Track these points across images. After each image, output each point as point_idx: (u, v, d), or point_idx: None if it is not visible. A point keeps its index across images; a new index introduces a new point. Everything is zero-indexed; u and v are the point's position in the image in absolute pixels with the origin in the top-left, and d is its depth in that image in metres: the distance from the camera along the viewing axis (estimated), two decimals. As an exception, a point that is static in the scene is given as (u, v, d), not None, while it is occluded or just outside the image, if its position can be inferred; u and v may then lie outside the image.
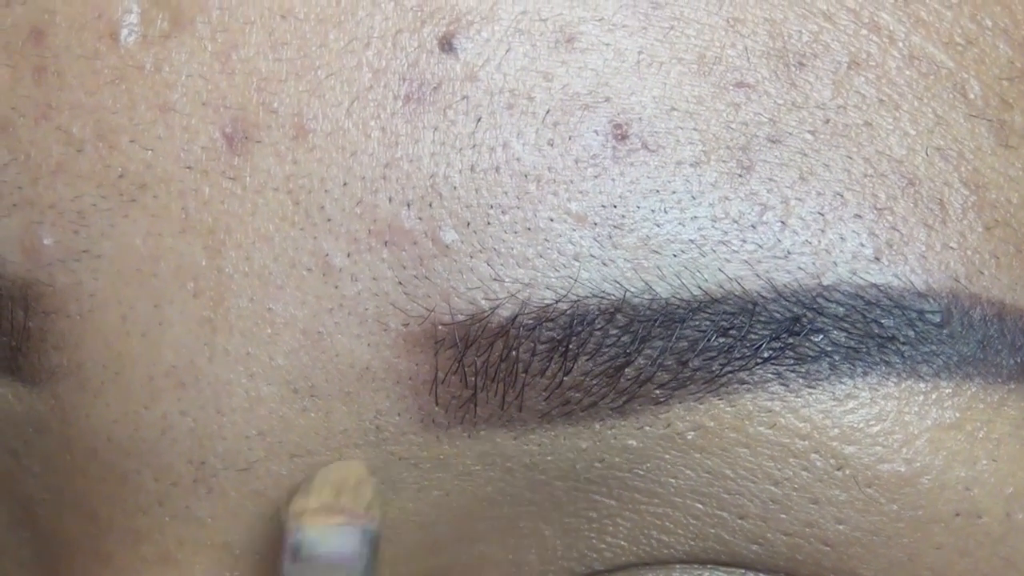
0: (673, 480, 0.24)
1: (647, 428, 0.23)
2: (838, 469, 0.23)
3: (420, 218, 0.23)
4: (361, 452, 0.23)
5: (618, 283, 0.23)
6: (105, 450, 0.24)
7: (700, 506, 0.24)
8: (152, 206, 0.23)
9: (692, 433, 0.23)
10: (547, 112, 0.23)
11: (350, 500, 0.23)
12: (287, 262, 0.23)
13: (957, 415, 0.23)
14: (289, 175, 0.23)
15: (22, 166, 0.23)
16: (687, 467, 0.23)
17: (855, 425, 0.23)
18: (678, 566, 0.24)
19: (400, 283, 0.23)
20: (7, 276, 0.24)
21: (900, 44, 0.24)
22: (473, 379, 0.23)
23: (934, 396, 0.23)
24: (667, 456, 0.23)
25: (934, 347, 0.23)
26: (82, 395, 0.24)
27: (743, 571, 0.24)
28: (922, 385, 0.23)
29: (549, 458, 0.23)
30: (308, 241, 0.23)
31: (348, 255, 0.23)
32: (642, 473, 0.24)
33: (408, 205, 0.23)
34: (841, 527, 0.23)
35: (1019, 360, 0.24)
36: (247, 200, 0.23)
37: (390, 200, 0.23)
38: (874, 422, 0.23)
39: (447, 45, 0.23)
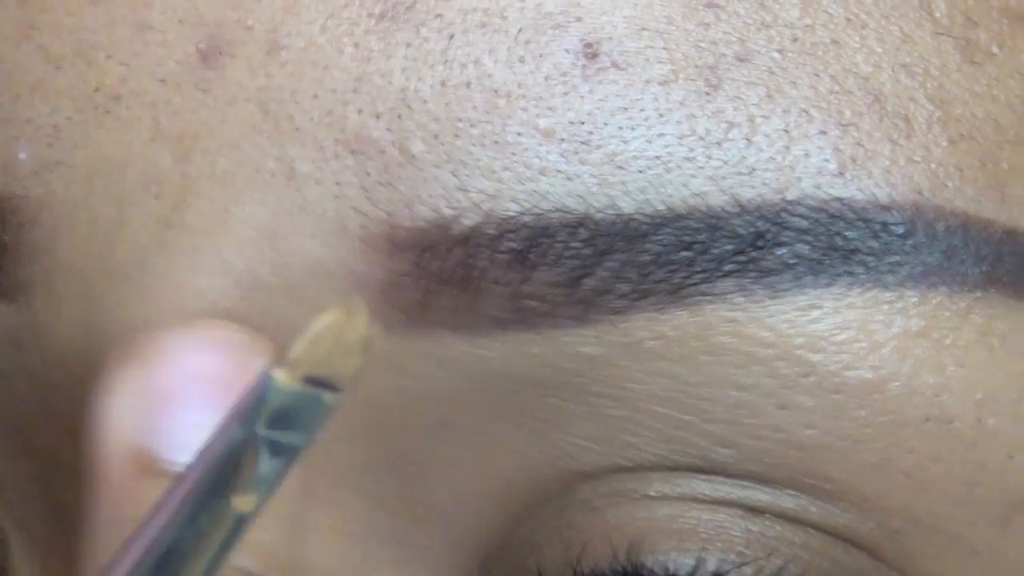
0: (634, 386, 0.24)
1: (605, 337, 0.24)
2: (804, 376, 0.24)
3: (389, 129, 0.23)
4: None
5: (582, 198, 0.23)
6: (72, 359, 0.24)
7: (663, 410, 0.24)
8: (125, 117, 0.24)
9: (652, 342, 0.24)
10: (519, 30, 0.23)
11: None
12: (252, 167, 0.23)
13: (923, 323, 0.24)
14: (260, 87, 0.23)
15: (4, 85, 0.24)
16: (647, 373, 0.24)
17: (820, 333, 0.24)
18: (657, 475, 0.25)
19: (363, 188, 0.23)
20: None
21: None
22: (426, 282, 0.23)
23: (899, 305, 0.24)
24: (626, 363, 0.24)
25: (898, 258, 0.24)
26: (50, 303, 0.24)
27: (722, 478, 0.25)
28: (887, 294, 0.24)
29: (499, 361, 0.24)
30: (275, 148, 0.23)
31: (313, 162, 0.23)
32: (601, 379, 0.24)
33: (377, 117, 0.23)
34: (810, 432, 0.24)
35: (984, 269, 0.24)
36: (217, 110, 0.24)
37: (359, 112, 0.23)
38: (838, 330, 0.24)
39: None
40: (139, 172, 0.24)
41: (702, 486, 0.25)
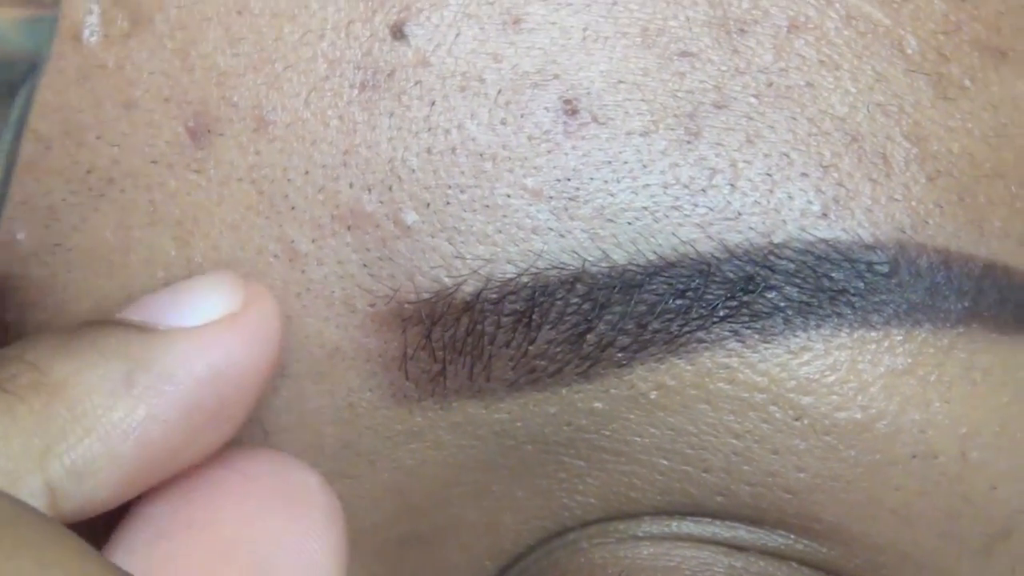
0: (638, 439, 0.24)
1: (612, 391, 0.24)
2: (796, 419, 0.24)
3: (381, 201, 0.23)
4: (335, 428, 0.24)
5: (576, 253, 0.23)
6: None
7: (665, 462, 0.24)
8: (120, 200, 0.24)
9: (655, 392, 0.24)
10: (499, 92, 0.24)
11: None
12: (254, 249, 0.24)
13: (909, 361, 0.24)
14: (252, 165, 0.24)
15: None
16: (651, 425, 0.24)
17: (811, 376, 0.24)
18: (647, 518, 0.25)
19: (365, 265, 0.24)
20: None
21: (837, 5, 0.24)
22: (441, 353, 0.24)
23: (886, 344, 0.24)
24: (632, 416, 0.24)
25: (883, 296, 0.24)
26: None
27: (710, 519, 0.25)
28: (873, 334, 0.24)
29: (519, 424, 0.24)
30: (274, 229, 0.24)
31: (313, 240, 0.24)
32: (608, 434, 0.24)
33: (369, 190, 0.23)
34: (802, 475, 0.24)
35: (966, 304, 0.24)
36: (212, 191, 0.24)
37: (351, 186, 0.23)
38: (829, 372, 0.24)
39: (398, 32, 0.24)
40: (142, 257, 0.24)
41: (690, 527, 0.25)
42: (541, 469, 0.25)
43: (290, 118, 0.24)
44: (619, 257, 0.23)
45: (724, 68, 0.24)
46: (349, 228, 0.24)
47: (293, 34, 0.24)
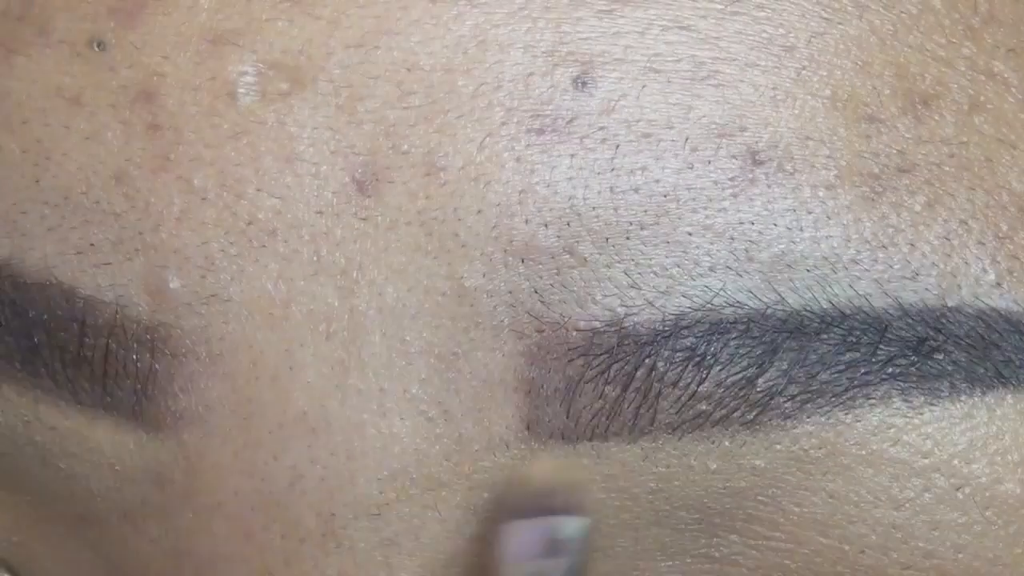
0: (796, 508, 0.24)
1: (776, 446, 0.24)
2: (958, 489, 0.24)
3: (559, 236, 0.23)
4: (485, 468, 0.24)
5: (752, 293, 0.23)
6: (231, 504, 0.24)
7: (823, 540, 0.24)
8: (283, 251, 0.23)
9: (819, 451, 0.24)
10: (686, 139, 0.23)
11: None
12: (421, 291, 0.23)
13: None
14: (421, 209, 0.23)
15: (142, 213, 0.24)
16: (811, 491, 0.24)
17: (974, 443, 0.24)
18: None
19: (536, 292, 0.23)
20: (132, 318, 0.24)
21: (1014, 90, 0.25)
22: (606, 388, 0.23)
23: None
24: (791, 479, 0.24)
25: None
26: (208, 442, 0.24)
27: None
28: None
29: (676, 483, 0.24)
30: (442, 267, 0.23)
31: (483, 275, 0.23)
32: (765, 500, 0.24)
33: (546, 225, 0.23)
34: (960, 556, 0.24)
35: None
36: (379, 237, 0.23)
37: (527, 222, 0.23)
38: (992, 441, 0.24)
39: (581, 84, 0.24)
40: (304, 310, 0.23)
41: None
42: (693, 544, 0.24)
43: (463, 161, 0.23)
44: (793, 301, 0.23)
45: (908, 136, 0.24)
46: (523, 261, 0.23)
47: (467, 87, 0.23)
